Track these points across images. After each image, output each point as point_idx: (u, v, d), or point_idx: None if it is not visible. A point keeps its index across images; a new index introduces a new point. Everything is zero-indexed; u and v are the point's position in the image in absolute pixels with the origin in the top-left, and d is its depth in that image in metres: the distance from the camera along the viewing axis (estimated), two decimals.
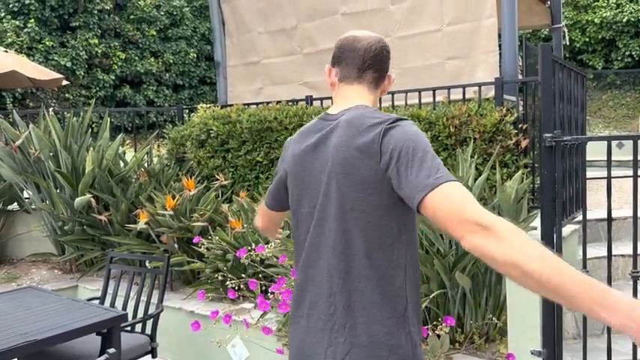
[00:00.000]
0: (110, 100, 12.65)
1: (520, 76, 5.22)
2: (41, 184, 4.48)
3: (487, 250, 1.14)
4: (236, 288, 3.10)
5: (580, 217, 3.42)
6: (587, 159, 3.25)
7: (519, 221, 2.89)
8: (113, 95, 12.59)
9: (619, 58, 13.78)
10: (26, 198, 5.00)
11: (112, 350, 1.77)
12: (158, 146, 5.65)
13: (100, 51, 12.13)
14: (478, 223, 1.16)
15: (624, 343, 2.73)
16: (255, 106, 4.97)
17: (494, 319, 2.85)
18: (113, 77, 12.47)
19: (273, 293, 2.92)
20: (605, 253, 2.72)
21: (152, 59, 13.36)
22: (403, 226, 1.40)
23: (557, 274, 1.06)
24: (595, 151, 4.75)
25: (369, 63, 1.52)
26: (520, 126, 3.70)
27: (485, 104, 3.80)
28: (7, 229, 5.22)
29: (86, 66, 12.01)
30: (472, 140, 3.58)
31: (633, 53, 13.52)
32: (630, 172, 2.38)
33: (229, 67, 5.72)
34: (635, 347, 2.58)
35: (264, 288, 3.24)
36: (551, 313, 2.58)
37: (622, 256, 3.25)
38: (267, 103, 4.83)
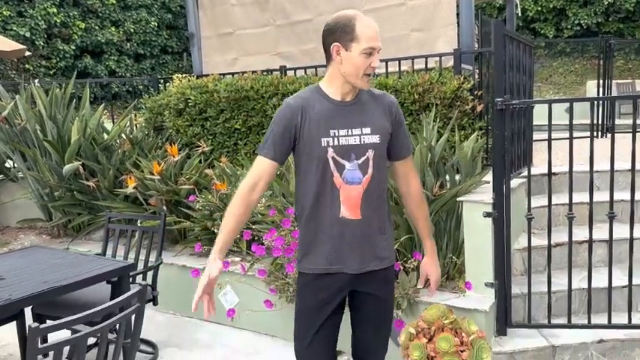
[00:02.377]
0: (71, 71, 12.48)
1: (476, 45, 5.64)
2: (27, 153, 4.66)
3: None
4: None
5: (533, 172, 3.92)
6: (539, 123, 3.68)
7: (474, 175, 3.34)
8: (74, 66, 12.44)
9: (569, 26, 14.47)
10: (9, 168, 5.16)
11: (144, 282, 2.11)
12: (135, 116, 5.84)
13: (59, 20, 11.93)
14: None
15: (562, 277, 3.23)
16: (230, 76, 5.23)
17: (454, 258, 3.32)
18: (73, 47, 12.31)
19: (262, 243, 3.31)
20: (544, 202, 3.21)
21: (112, 28, 13.21)
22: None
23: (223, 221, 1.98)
24: (545, 116, 5.24)
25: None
26: (476, 92, 4.12)
27: (445, 73, 4.20)
28: None
29: (45, 36, 11.82)
30: (434, 106, 3.99)
31: (582, 22, 14.22)
32: (576, 134, 2.82)
33: (203, 38, 5.93)
34: (569, 280, 3.10)
35: (256, 239, 3.61)
36: (502, 252, 3.06)
37: (562, 204, 3.75)
38: (243, 73, 5.10)
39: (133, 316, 2.11)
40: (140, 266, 3.48)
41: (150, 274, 3.43)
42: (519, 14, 13.81)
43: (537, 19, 14.82)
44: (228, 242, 1.95)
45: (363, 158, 1.92)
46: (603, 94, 6.93)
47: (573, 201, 3.07)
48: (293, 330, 2.08)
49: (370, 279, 1.97)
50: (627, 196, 3.15)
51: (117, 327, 2.05)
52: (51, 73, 11.90)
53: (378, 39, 1.88)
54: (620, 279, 3.24)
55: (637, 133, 2.88)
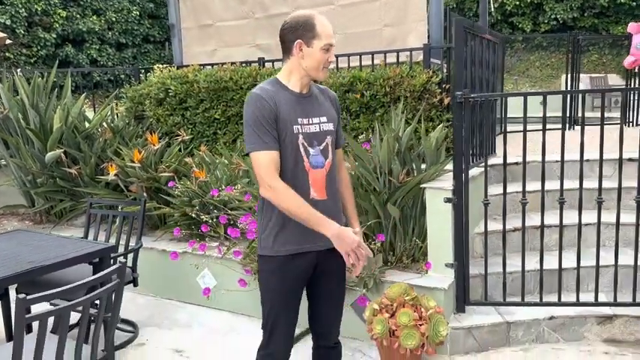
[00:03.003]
0: (52, 60, 12.45)
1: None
2: (10, 141, 4.77)
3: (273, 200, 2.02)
4: (208, 222, 3.64)
5: (492, 161, 4.15)
6: (516, 115, 3.80)
7: (438, 164, 3.55)
8: (55, 54, 12.40)
9: (545, 21, 14.78)
10: None
11: (121, 259, 2.29)
12: (116, 105, 5.95)
13: (39, 8, 11.87)
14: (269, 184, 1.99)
15: (519, 259, 3.47)
16: (210, 67, 5.38)
17: (418, 242, 3.54)
18: (54, 36, 12.27)
19: (237, 226, 3.49)
20: (506, 190, 3.44)
21: (94, 17, 13.17)
22: None
23: (300, 212, 1.97)
24: (518, 108, 5.47)
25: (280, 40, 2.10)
26: (444, 86, 4.33)
27: (415, 67, 4.41)
28: None
29: (26, 24, 11.76)
30: (404, 98, 4.20)
31: (558, 17, 14.54)
32: (548, 126, 3.01)
33: (184, 29, 6.05)
34: (523, 261, 3.34)
35: (231, 223, 3.79)
36: (460, 235, 3.29)
37: (517, 192, 3.98)
38: (222, 64, 5.25)
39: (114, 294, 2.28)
40: (121, 250, 3.64)
41: (130, 256, 3.58)
42: (492, 10, 14.09)
43: (515, 13, 15.10)
44: (323, 216, 1.99)
45: (324, 144, 2.13)
46: (572, 87, 7.21)
47: (534, 189, 3.29)
48: (264, 318, 2.18)
49: (333, 254, 2.10)
50: (588, 184, 3.38)
51: (98, 302, 2.22)
52: (32, 61, 11.87)
53: (333, 36, 2.09)
54: (571, 261, 3.49)
55: (604, 125, 3.11)
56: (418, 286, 3.19)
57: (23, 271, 2.70)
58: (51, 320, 2.05)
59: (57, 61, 5.79)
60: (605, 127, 3.29)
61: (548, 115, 3.28)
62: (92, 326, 2.38)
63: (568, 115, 6.73)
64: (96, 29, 13.08)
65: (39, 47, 12.00)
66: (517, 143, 3.72)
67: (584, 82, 12.27)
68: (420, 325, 2.84)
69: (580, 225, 3.27)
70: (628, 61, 7.20)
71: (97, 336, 2.27)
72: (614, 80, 13.08)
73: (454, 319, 3.27)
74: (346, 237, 1.93)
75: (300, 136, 2.06)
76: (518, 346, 3.28)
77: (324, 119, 2.13)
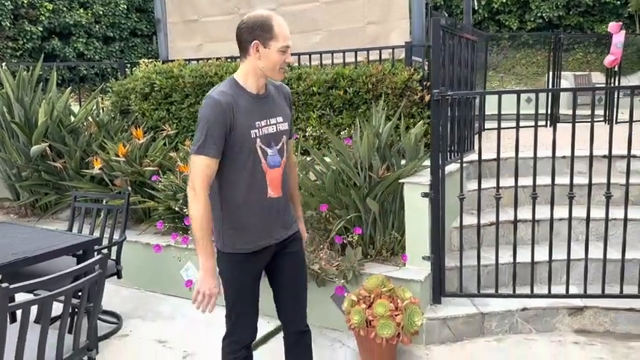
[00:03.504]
0: (38, 53, 12.34)
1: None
2: None
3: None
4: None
5: (470, 158, 4.25)
6: (504, 112, 3.85)
7: (417, 160, 3.64)
8: (41, 47, 12.30)
9: (532, 19, 14.93)
10: None
11: (105, 251, 2.35)
12: (102, 99, 5.98)
13: (25, 1, 11.76)
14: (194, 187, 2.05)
15: (492, 252, 3.56)
16: (195, 62, 5.42)
17: (397, 235, 3.63)
18: (41, 29, 12.16)
19: None
20: (483, 185, 3.54)
21: (81, 10, 13.07)
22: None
23: (197, 227, 2.06)
24: (504, 106, 5.54)
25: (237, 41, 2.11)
26: (425, 83, 4.41)
27: (397, 64, 4.49)
28: None
29: (12, 17, 11.65)
30: (386, 95, 4.28)
31: (544, 15, 14.70)
32: (526, 123, 3.08)
33: (169, 23, 6.08)
34: (497, 255, 3.44)
35: None
36: (437, 229, 3.38)
37: (494, 188, 4.08)
38: (207, 59, 5.30)
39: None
40: (105, 243, 3.69)
41: (114, 249, 3.64)
42: (478, 7, 14.22)
43: (502, 11, 15.23)
44: (212, 249, 2.10)
45: (280, 144, 2.20)
46: (554, 85, 7.34)
47: (510, 185, 3.39)
48: (227, 309, 2.28)
49: (289, 241, 2.25)
50: (563, 180, 3.49)
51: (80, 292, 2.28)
52: (18, 54, 11.78)
53: (290, 38, 2.11)
54: (543, 254, 3.59)
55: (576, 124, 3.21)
56: (396, 278, 3.28)
57: (7, 262, 2.75)
58: (34, 311, 2.11)
59: (43, 55, 5.79)
60: (587, 124, 3.39)
61: (530, 112, 3.38)
62: (75, 317, 2.44)
63: (550, 112, 6.86)
64: (83, 22, 12.99)
65: (25, 40, 11.89)
66: (494, 140, 3.81)
67: (569, 79, 12.44)
68: (396, 315, 2.93)
69: (552, 220, 3.38)
70: (608, 59, 7.35)
71: (80, 325, 2.34)
72: (598, 78, 13.25)
73: (430, 310, 3.37)
74: (206, 282, 2.09)
75: (258, 140, 2.11)
76: (492, 336, 3.39)
77: (280, 119, 2.19)
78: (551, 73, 7.32)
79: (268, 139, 2.14)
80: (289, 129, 2.26)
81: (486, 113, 4.80)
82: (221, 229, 2.18)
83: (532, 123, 3.36)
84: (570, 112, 3.60)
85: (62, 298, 2.17)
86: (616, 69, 7.49)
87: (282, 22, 2.06)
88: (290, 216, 2.31)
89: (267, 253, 2.23)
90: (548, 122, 6.86)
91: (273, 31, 2.03)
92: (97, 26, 13.48)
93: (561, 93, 8.67)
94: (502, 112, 3.59)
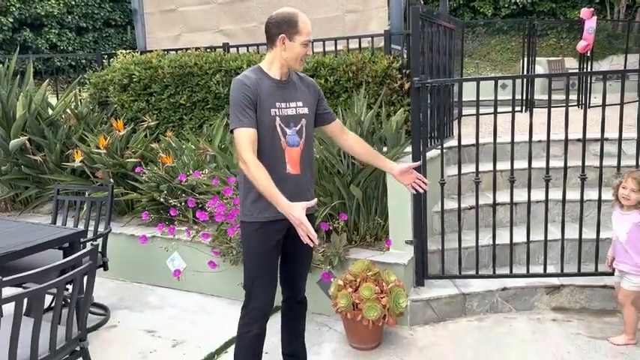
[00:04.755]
0: (10, 45, 12.08)
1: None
2: None
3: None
4: (176, 206, 3.73)
5: (450, 144, 4.34)
6: (482, 98, 3.93)
7: (399, 146, 3.71)
8: (13, 39, 12.04)
9: (506, 5, 15.09)
10: None
11: (96, 243, 2.37)
12: (80, 91, 5.91)
13: None
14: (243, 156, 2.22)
15: (472, 235, 3.67)
16: (174, 52, 5.39)
17: (380, 221, 3.71)
18: (11, 20, 11.89)
19: (206, 210, 3.59)
20: (462, 170, 3.63)
21: (52, 0, 12.79)
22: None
23: (262, 184, 2.18)
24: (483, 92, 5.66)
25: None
26: (404, 71, 4.47)
27: (377, 53, 4.54)
28: None
29: None
30: (367, 84, 4.33)
31: (518, 1, 14.86)
32: (502, 109, 3.17)
33: (147, 14, 6.02)
34: (477, 237, 3.55)
35: (199, 207, 3.88)
36: (419, 214, 3.47)
37: (473, 172, 4.18)
38: (186, 49, 5.28)
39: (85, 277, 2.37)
40: (90, 236, 3.69)
41: (99, 241, 3.64)
42: None
43: None
44: (278, 192, 2.18)
45: (299, 126, 2.40)
46: (528, 71, 7.49)
47: (488, 169, 3.49)
48: (246, 278, 2.43)
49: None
50: (540, 164, 3.60)
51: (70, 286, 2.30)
52: None
53: (311, 33, 2.36)
54: (522, 236, 3.71)
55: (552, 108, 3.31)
56: (380, 262, 3.36)
57: None
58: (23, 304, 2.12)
59: (18, 47, 5.68)
60: (561, 108, 3.50)
61: (507, 98, 3.48)
62: (67, 308, 2.46)
63: (525, 98, 7.01)
64: (55, 13, 12.73)
65: None
66: (472, 126, 3.91)
67: (543, 65, 12.65)
68: (382, 297, 3.01)
69: (529, 202, 3.49)
70: (580, 45, 7.51)
71: (72, 316, 2.36)
72: (571, 63, 13.50)
73: (414, 292, 3.47)
74: (290, 214, 2.13)
75: (277, 119, 2.34)
76: (473, 316, 3.50)
77: (300, 104, 2.41)
78: (525, 59, 7.46)
79: (287, 120, 2.36)
80: (309, 114, 2.44)
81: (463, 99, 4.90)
82: (244, 199, 2.40)
83: (508, 109, 3.46)
84: (545, 97, 3.71)
85: (54, 290, 2.20)
86: (588, 54, 7.67)
87: (306, 20, 2.33)
88: (311, 195, 2.47)
89: (282, 225, 2.35)
90: (524, 107, 7.02)
91: (298, 27, 2.30)
92: (69, 17, 13.22)
93: (535, 78, 8.82)
94: (482, 99, 3.68)
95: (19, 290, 2.12)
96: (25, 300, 2.11)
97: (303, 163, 2.42)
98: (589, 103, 7.29)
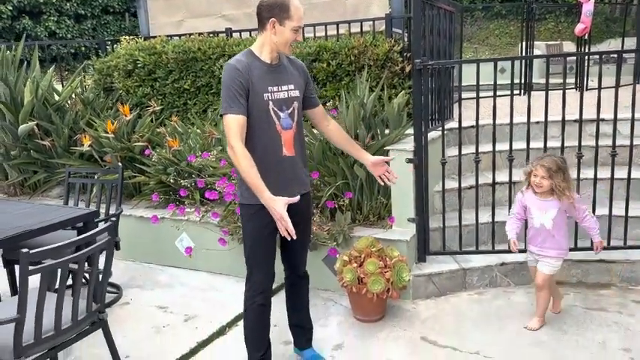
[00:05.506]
0: (9, 32, 12.11)
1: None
2: None
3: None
4: (186, 186, 3.84)
5: (450, 125, 4.44)
6: (482, 82, 3.98)
7: (400, 128, 3.81)
8: (12, 27, 12.06)
9: None
10: None
11: (113, 219, 2.48)
12: (84, 77, 5.98)
13: None
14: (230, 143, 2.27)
15: (473, 213, 3.79)
16: (177, 38, 5.46)
17: (383, 200, 3.82)
18: (10, 8, 11.91)
19: (216, 189, 3.70)
20: (463, 151, 3.74)
21: None
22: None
23: (247, 173, 2.24)
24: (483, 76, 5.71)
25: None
26: (405, 54, 4.56)
27: (378, 36, 4.63)
28: None
29: None
30: (368, 67, 4.42)
31: None
32: (500, 93, 3.23)
33: (149, 0, 6.08)
34: (477, 215, 3.66)
35: (208, 188, 3.99)
36: (421, 193, 3.58)
37: (473, 153, 4.29)
38: (190, 35, 5.35)
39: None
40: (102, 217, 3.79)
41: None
42: None
43: None
44: (264, 185, 2.25)
45: (291, 109, 2.46)
46: (525, 54, 7.56)
47: (488, 150, 3.60)
48: (246, 257, 2.53)
49: (300, 200, 2.43)
50: (537, 145, 3.71)
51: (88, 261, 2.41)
52: None
53: (303, 19, 2.37)
54: None
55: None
56: (383, 239, 3.48)
57: (11, 235, 2.83)
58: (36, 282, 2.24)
59: (24, 35, 5.75)
60: (559, 91, 3.59)
61: (506, 82, 3.56)
62: (86, 282, 2.57)
63: (524, 81, 7.09)
64: (53, 0, 12.73)
65: None
66: (473, 108, 3.99)
67: (542, 49, 12.70)
68: (385, 272, 3.13)
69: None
70: (578, 28, 7.57)
71: (92, 289, 2.48)
72: (569, 47, 13.53)
73: (416, 268, 3.59)
74: (272, 208, 2.23)
75: (271, 103, 2.37)
76: (473, 290, 3.63)
77: (291, 87, 2.45)
78: (524, 43, 7.52)
79: (280, 104, 2.40)
80: (300, 97, 2.49)
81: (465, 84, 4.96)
82: (241, 183, 2.45)
83: (506, 92, 3.56)
84: (543, 80, 3.80)
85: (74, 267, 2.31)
86: (586, 37, 7.73)
87: (298, 5, 2.32)
88: (305, 175, 2.58)
89: None
90: (522, 91, 7.10)
91: (290, 12, 2.30)
92: (67, 4, 13.24)
93: (534, 63, 8.87)
94: (482, 83, 3.77)
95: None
96: (48, 273, 2.23)
97: (296, 145, 2.48)
98: (586, 86, 7.38)
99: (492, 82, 3.48)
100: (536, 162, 3.03)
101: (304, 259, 2.76)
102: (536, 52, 11.59)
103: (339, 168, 3.76)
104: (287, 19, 2.30)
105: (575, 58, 8.34)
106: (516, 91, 5.89)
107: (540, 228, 3.08)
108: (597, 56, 3.59)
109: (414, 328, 3.19)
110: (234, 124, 2.27)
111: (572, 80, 7.70)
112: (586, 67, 6.88)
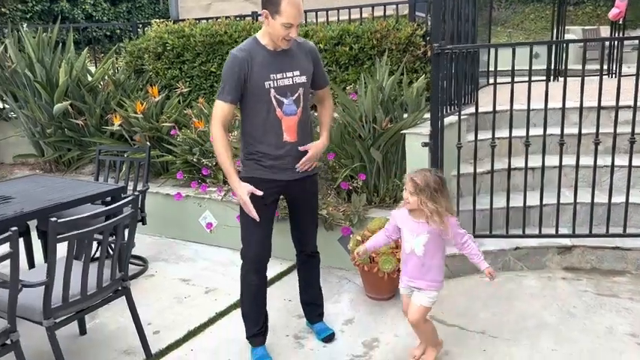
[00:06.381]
0: (47, 15, 12.47)
1: None
2: (19, 94, 5.05)
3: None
4: (209, 165, 3.99)
5: (470, 110, 4.45)
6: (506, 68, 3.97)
7: (418, 111, 3.86)
8: (50, 10, 12.41)
9: None
10: (1, 108, 5.54)
11: (137, 193, 2.64)
12: (116, 59, 6.19)
13: None
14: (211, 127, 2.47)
15: (487, 198, 3.82)
16: (205, 21, 5.59)
17: (399, 183, 3.89)
18: None
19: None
20: (482, 136, 3.77)
21: None
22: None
23: (221, 158, 2.45)
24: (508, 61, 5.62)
25: None
26: (428, 38, 4.58)
27: (401, 20, 4.65)
28: None
29: None
30: (390, 51, 4.46)
31: None
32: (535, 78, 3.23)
33: None
34: (491, 199, 3.70)
35: None
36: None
37: (489, 138, 4.29)
38: (217, 18, 5.47)
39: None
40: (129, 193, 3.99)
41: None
42: None
43: None
44: (234, 169, 2.47)
45: (296, 95, 2.51)
46: (556, 39, 7.42)
47: (505, 135, 3.64)
48: (240, 226, 2.66)
49: (304, 182, 2.61)
50: (556, 131, 3.71)
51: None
52: (27, 16, 11.91)
53: (299, 16, 2.36)
54: (535, 199, 3.84)
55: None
56: None
57: (44, 207, 3.04)
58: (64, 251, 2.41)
59: (59, 17, 5.98)
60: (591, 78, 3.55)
61: (535, 67, 3.54)
62: (111, 252, 2.75)
63: (552, 67, 6.97)
64: None
65: (34, 2, 12.01)
66: (501, 93, 3.96)
67: (578, 34, 12.35)
68: (397, 252, 3.22)
69: (543, 167, 3.62)
70: (612, 12, 7.37)
71: (116, 258, 2.65)
72: (607, 32, 13.15)
73: None
74: (237, 192, 2.48)
75: (272, 91, 2.44)
76: None
77: (297, 73, 2.49)
78: (555, 29, 7.38)
79: (284, 90, 2.46)
80: (306, 82, 2.54)
81: (492, 69, 4.91)
82: (243, 158, 2.61)
83: (533, 78, 3.53)
84: (579, 66, 3.74)
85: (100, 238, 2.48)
86: (620, 22, 7.53)
87: (292, 3, 2.30)
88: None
89: (276, 186, 2.57)
90: (552, 77, 6.98)
91: (279, 7, 2.31)
92: None
93: (570, 48, 8.66)
94: (504, 68, 3.78)
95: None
96: (75, 242, 2.40)
97: (300, 130, 2.53)
98: (619, 72, 7.20)
99: (519, 68, 3.48)
100: (408, 174, 2.55)
101: (313, 239, 2.86)
102: (572, 36, 11.30)
103: (356, 151, 3.85)
104: (277, 13, 2.31)
105: (608, 43, 8.13)
106: (543, 77, 5.79)
107: (411, 254, 2.56)
108: (637, 41, 3.52)
109: None
110: (218, 109, 2.43)
111: (605, 66, 7.52)
112: (617, 54, 6.71)
